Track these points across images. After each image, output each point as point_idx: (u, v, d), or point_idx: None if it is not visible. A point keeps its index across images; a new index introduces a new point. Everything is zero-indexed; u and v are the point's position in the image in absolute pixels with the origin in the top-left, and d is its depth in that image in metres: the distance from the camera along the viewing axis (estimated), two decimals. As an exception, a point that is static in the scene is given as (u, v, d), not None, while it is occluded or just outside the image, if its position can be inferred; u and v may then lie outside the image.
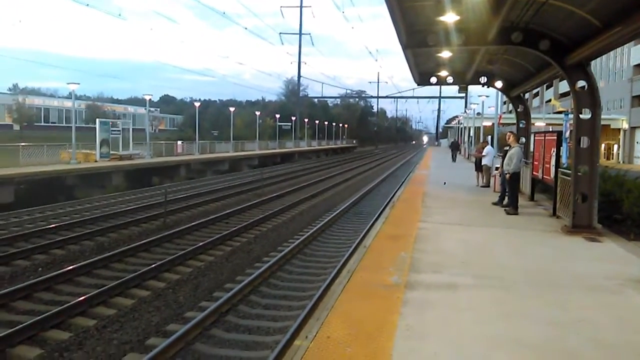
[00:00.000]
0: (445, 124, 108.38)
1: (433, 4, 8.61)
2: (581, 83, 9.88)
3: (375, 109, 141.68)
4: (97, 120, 29.22)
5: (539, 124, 49.78)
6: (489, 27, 9.46)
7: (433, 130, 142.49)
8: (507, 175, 12.46)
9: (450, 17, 9.07)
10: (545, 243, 9.16)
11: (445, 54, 12.68)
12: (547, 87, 78.52)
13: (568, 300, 5.94)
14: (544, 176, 12.93)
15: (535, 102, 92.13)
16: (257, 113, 59.84)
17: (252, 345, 7.20)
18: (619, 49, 56.53)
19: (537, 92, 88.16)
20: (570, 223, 9.99)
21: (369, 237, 9.44)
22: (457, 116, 73.72)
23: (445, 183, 19.74)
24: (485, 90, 26.51)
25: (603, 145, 61.95)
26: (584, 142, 9.95)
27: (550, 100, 74.14)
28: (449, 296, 5.96)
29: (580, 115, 9.97)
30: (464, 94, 63.91)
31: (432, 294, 6.01)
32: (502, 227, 10.58)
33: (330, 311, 5.30)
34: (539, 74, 13.52)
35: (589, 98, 9.95)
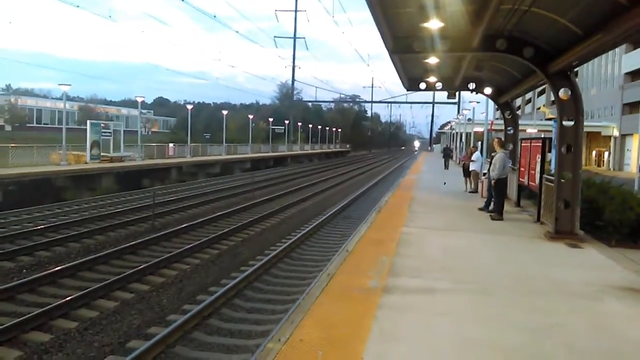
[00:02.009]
0: (439, 129, 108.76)
1: (416, 11, 8.69)
2: (565, 90, 9.96)
3: (369, 114, 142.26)
4: (88, 122, 29.14)
5: (531, 130, 50.11)
6: (473, 34, 9.56)
7: (427, 135, 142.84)
8: (493, 181, 12.56)
9: (434, 24, 9.15)
10: (527, 249, 9.23)
11: (432, 60, 12.77)
12: (539, 94, 79.10)
13: (546, 306, 5.99)
14: (530, 182, 13.03)
15: (528, 108, 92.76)
16: (251, 116, 59.91)
17: (233, 348, 7.22)
18: (610, 57, 57.08)
19: (530, 99, 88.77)
20: (553, 229, 10.07)
21: (352, 241, 9.49)
22: (449, 122, 74.02)
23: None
24: (476, 96, 26.67)
25: (594, 152, 62.47)
26: (567, 149, 10.03)
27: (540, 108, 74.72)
28: (425, 300, 6.01)
29: (564, 123, 10.06)
30: (456, 100, 64.29)
31: (408, 298, 6.06)
32: (486, 233, 10.66)
33: (306, 314, 5.34)
34: (525, 80, 13.65)
35: (573, 105, 10.05)
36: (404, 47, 10.86)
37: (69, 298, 8.46)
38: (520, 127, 22.61)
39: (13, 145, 25.05)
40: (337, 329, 4.95)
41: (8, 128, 69.64)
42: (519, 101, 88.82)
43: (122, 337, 7.47)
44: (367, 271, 7.12)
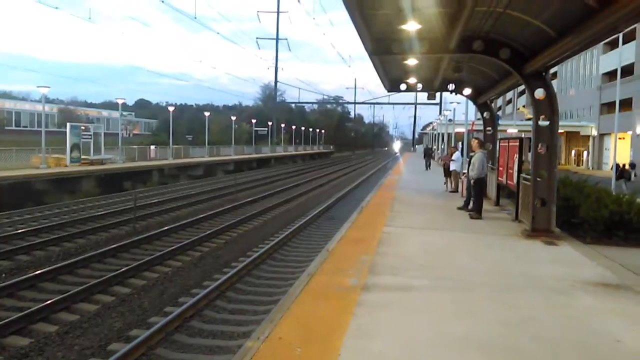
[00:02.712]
0: (421, 130, 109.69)
1: (394, 13, 8.81)
2: (540, 91, 10.16)
3: (352, 115, 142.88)
4: (68, 124, 28.88)
5: (511, 130, 50.75)
6: (450, 36, 9.71)
7: (410, 136, 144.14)
8: (472, 181, 12.76)
9: (411, 26, 9.29)
10: (504, 247, 9.40)
11: (412, 62, 12.92)
12: (520, 95, 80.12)
13: (520, 301, 6.11)
14: (508, 181, 13.25)
15: (509, 109, 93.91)
16: (233, 118, 59.75)
17: (215, 349, 7.24)
18: (588, 58, 58.05)
19: (510, 100, 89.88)
20: (530, 227, 10.27)
21: (333, 241, 9.57)
22: (432, 123, 74.62)
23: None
24: (457, 97, 26.99)
25: (573, 152, 63.45)
26: (543, 148, 10.23)
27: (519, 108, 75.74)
28: (403, 297, 6.11)
29: (539, 122, 10.26)
30: (437, 101, 64.90)
31: (387, 295, 6.15)
32: (465, 232, 10.82)
33: (285, 313, 5.41)
34: (503, 81, 13.88)
35: (548, 105, 10.25)
36: (382, 48, 10.99)
37: (49, 302, 8.40)
38: (501, 128, 22.96)
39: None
40: (315, 327, 5.02)
41: (-14, 131, 68.42)
42: (500, 101, 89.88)
43: (103, 340, 7.44)
44: (348, 270, 7.21)
